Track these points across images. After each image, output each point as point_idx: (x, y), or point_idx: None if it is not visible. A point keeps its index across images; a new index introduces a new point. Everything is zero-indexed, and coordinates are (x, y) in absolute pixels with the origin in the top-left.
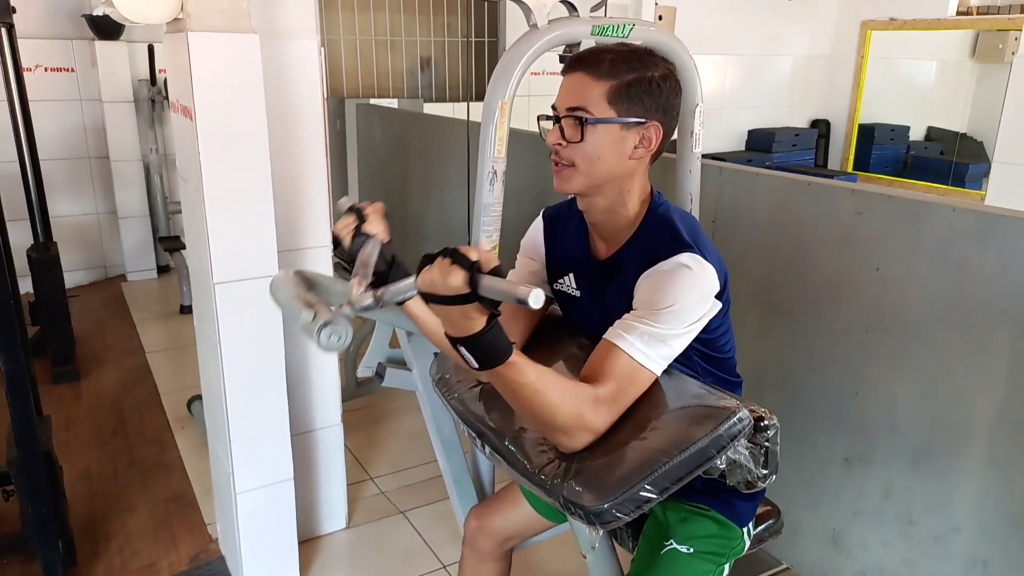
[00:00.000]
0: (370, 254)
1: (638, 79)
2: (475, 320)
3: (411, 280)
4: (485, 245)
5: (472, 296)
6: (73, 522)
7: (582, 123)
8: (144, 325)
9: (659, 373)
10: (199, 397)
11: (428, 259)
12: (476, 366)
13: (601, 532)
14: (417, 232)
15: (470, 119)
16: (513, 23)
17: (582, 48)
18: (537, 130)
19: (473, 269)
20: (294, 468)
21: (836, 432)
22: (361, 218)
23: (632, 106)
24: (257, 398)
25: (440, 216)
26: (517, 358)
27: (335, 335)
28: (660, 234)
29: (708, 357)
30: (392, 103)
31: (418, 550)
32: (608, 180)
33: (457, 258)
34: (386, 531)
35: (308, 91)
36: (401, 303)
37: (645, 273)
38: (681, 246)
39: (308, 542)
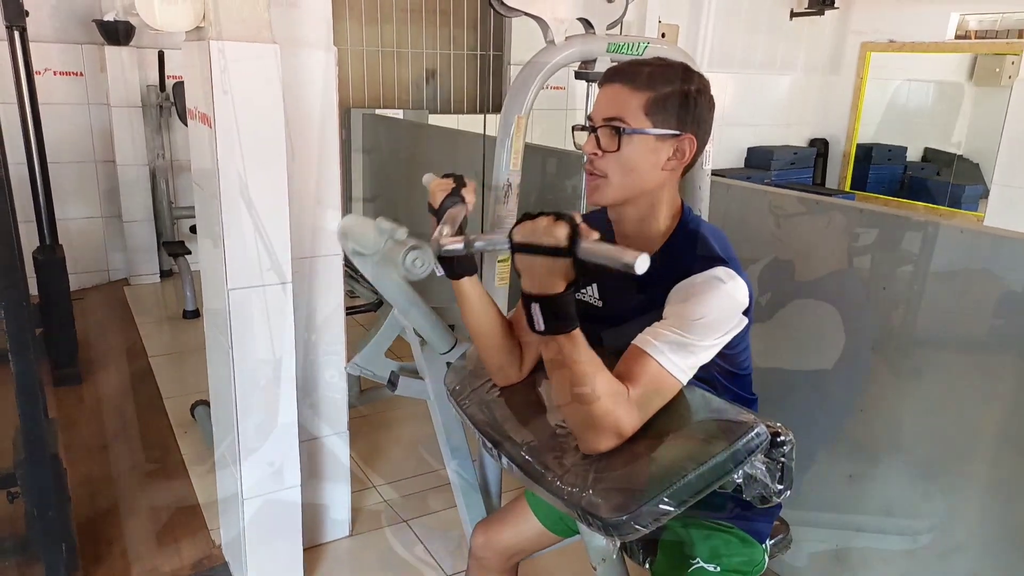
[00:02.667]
0: (458, 213)
1: (675, 92)
2: (558, 281)
3: (504, 236)
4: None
5: (570, 251)
6: (76, 526)
7: (619, 133)
8: (147, 329)
9: (684, 383)
10: (203, 402)
11: (528, 216)
12: (542, 328)
13: (616, 544)
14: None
15: (486, 132)
16: (519, 37)
17: (597, 65)
18: (556, 144)
19: (576, 229)
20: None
21: (840, 449)
22: (460, 183)
23: (668, 118)
24: (267, 404)
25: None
26: (578, 333)
27: (419, 260)
28: (692, 247)
29: (728, 373)
30: (397, 114)
31: (421, 560)
32: (641, 191)
33: (563, 216)
34: (389, 540)
35: (323, 101)
36: (490, 250)
37: (678, 285)
38: (715, 260)
39: (311, 549)
